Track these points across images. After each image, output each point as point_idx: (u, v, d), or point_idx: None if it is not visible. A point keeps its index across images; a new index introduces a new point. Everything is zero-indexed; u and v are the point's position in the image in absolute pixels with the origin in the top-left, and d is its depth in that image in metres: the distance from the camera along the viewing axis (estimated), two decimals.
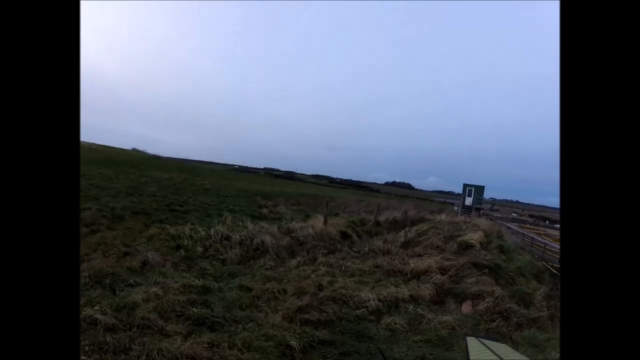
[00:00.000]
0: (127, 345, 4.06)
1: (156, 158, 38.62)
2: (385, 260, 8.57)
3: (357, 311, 5.72)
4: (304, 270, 8.03)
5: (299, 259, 8.77)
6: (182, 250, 8.08)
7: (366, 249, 9.97)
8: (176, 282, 6.25)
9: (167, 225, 9.73)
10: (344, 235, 11.26)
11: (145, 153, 41.06)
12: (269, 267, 7.99)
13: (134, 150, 41.85)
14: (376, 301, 6.01)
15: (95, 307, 4.89)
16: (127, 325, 4.59)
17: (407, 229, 12.13)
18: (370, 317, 5.66)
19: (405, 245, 10.45)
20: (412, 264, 8.06)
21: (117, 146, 40.98)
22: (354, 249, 10.20)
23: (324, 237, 10.49)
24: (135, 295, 5.47)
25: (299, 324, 5.11)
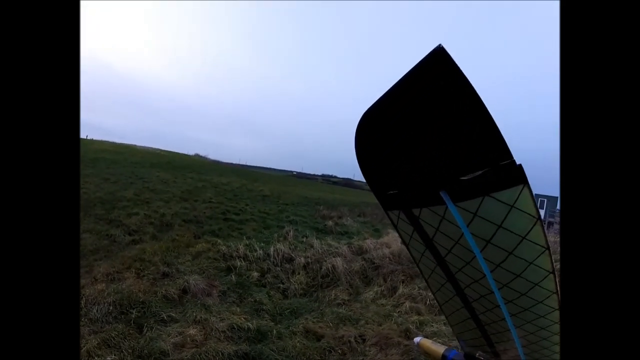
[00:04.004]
0: None
1: (217, 163, 38.68)
2: None
3: None
4: (383, 304, 6.47)
5: (375, 289, 7.08)
6: (233, 275, 6.54)
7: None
8: (222, 320, 4.79)
9: (219, 240, 8.30)
10: None
11: (206, 158, 41.36)
12: (341, 301, 6.28)
13: (196, 155, 42.23)
14: None
15: (112, 356, 3.76)
16: None
17: None
18: None
19: None
20: None
21: (183, 152, 41.25)
22: None
23: (402, 259, 8.53)
24: (167, 338, 4.21)
25: None
